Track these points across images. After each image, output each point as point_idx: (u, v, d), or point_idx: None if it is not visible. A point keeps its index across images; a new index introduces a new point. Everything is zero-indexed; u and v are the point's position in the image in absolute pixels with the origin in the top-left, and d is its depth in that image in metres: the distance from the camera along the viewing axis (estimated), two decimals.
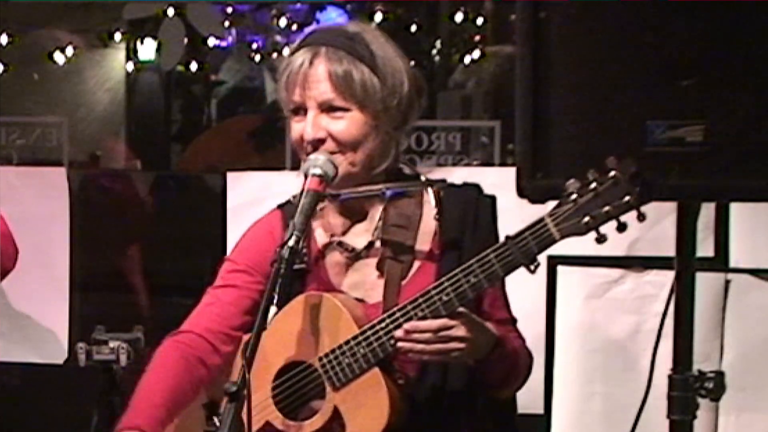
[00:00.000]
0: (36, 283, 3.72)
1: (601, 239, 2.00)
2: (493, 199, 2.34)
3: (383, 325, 2.13)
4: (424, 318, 2.10)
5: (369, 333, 2.14)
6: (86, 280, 3.99)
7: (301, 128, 2.25)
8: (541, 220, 2.04)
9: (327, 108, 2.22)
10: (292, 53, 2.26)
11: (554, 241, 2.04)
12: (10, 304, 3.71)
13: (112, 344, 3.19)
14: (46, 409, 4.24)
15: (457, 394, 2.23)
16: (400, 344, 2.11)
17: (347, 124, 2.22)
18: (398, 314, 2.13)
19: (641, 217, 1.97)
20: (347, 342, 2.15)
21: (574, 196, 2.00)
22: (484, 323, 2.17)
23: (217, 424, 2.30)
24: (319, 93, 2.21)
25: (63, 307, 3.72)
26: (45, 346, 3.73)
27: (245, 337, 2.33)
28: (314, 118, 2.22)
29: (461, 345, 2.11)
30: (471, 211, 2.27)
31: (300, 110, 2.25)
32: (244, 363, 1.95)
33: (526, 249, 2.05)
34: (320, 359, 2.17)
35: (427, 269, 2.22)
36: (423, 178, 2.32)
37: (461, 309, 2.12)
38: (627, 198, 1.95)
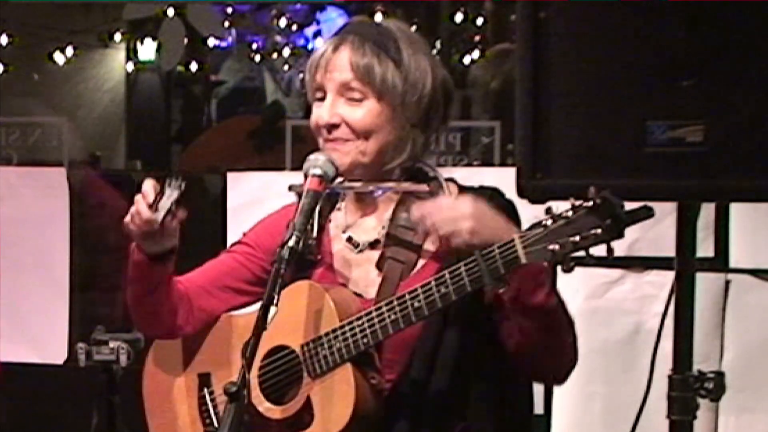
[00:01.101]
0: (36, 283, 3.72)
1: (566, 269, 1.97)
2: (508, 202, 2.29)
3: (360, 322, 2.15)
4: (396, 321, 2.11)
5: (347, 328, 2.16)
6: (86, 280, 3.99)
7: (317, 112, 2.27)
8: (512, 241, 2.01)
9: (346, 92, 2.23)
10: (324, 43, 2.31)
11: (519, 264, 2.00)
12: (11, 304, 3.71)
13: (112, 344, 3.19)
14: (46, 409, 4.24)
15: (444, 395, 2.22)
16: (415, 207, 2.14)
17: (363, 111, 2.23)
18: (374, 314, 2.14)
19: (610, 252, 1.94)
20: (327, 334, 2.17)
21: (547, 222, 1.97)
22: (503, 219, 2.11)
23: (207, 398, 2.31)
24: (339, 75, 2.23)
25: (63, 307, 3.72)
26: (45, 346, 3.72)
27: (224, 317, 2.34)
28: (332, 102, 2.25)
29: (467, 223, 2.06)
30: None
31: (321, 96, 2.27)
32: (243, 363, 1.96)
33: (492, 267, 2.03)
34: (302, 347, 2.19)
35: (429, 270, 2.22)
36: (442, 181, 2.30)
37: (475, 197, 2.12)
38: (597, 230, 1.92)
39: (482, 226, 2.07)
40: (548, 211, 1.98)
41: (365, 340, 2.14)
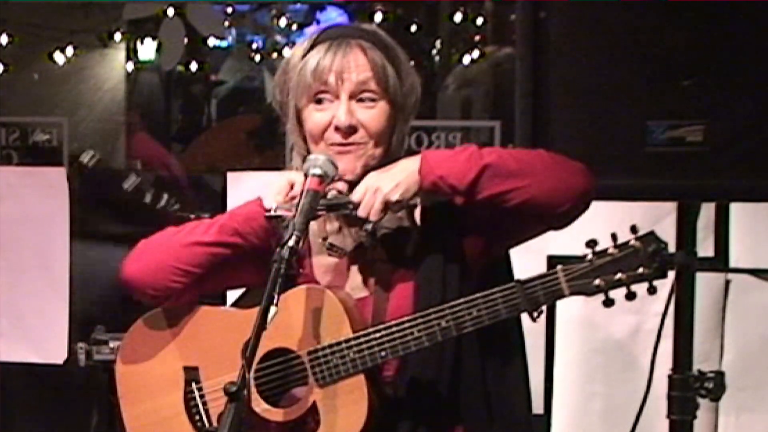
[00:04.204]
0: (36, 283, 3.71)
1: (608, 303, 2.01)
2: None
3: (378, 335, 2.13)
4: (419, 338, 2.11)
5: (362, 339, 2.14)
6: (86, 280, 3.98)
7: (325, 117, 2.22)
8: (554, 272, 2.05)
9: (359, 94, 2.21)
10: (311, 48, 2.25)
11: (562, 296, 2.05)
12: (11, 304, 3.71)
13: (112, 344, 3.19)
14: (46, 409, 4.24)
15: (442, 394, 2.22)
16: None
17: (377, 113, 2.22)
18: (395, 328, 2.13)
19: (652, 290, 1.99)
20: (339, 343, 2.15)
21: (590, 256, 2.01)
22: (395, 164, 2.18)
23: (195, 392, 2.30)
24: (357, 77, 2.20)
25: (63, 307, 3.72)
26: (45, 346, 3.72)
27: (209, 310, 2.33)
28: (347, 104, 2.22)
29: (379, 193, 2.14)
30: (452, 206, 2.26)
31: (324, 99, 2.23)
32: (243, 363, 1.95)
33: (532, 298, 2.06)
34: (309, 353, 2.18)
35: (413, 270, 2.22)
36: None
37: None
38: (641, 269, 1.98)
39: (383, 172, 2.16)
40: (590, 244, 1.99)
41: (383, 354, 2.13)
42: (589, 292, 2.03)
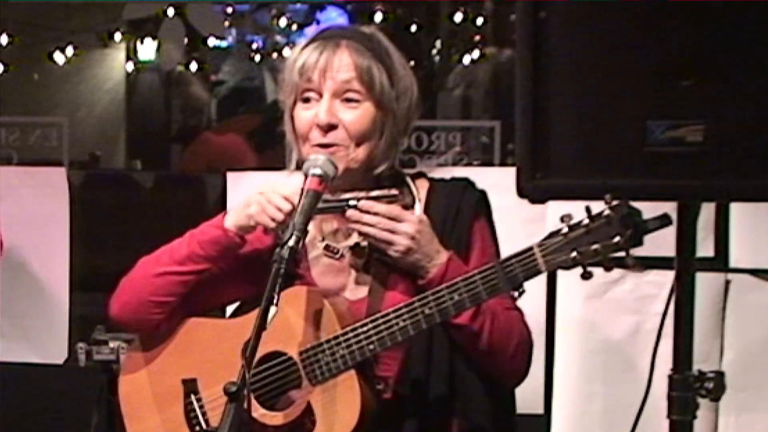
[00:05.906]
0: (36, 283, 3.71)
1: (586, 276, 2.01)
2: (482, 193, 2.33)
3: (365, 329, 2.14)
4: (404, 328, 2.11)
5: (350, 335, 2.15)
6: (86, 280, 3.98)
7: (310, 115, 2.24)
8: (530, 249, 2.05)
9: (343, 94, 2.22)
10: (305, 47, 2.26)
11: (540, 272, 2.05)
12: (10, 304, 3.71)
13: (112, 344, 3.19)
14: (46, 409, 4.23)
15: (441, 392, 2.22)
16: (349, 213, 2.16)
17: (360, 114, 2.23)
18: (380, 320, 2.14)
19: (630, 260, 1.99)
20: (328, 341, 2.16)
21: (565, 230, 2.02)
22: (438, 243, 2.20)
23: (195, 403, 2.30)
24: (340, 76, 2.21)
25: (63, 307, 3.72)
26: (45, 346, 3.72)
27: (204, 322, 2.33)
28: (329, 103, 2.22)
29: (405, 241, 2.15)
30: (454, 206, 2.27)
31: (310, 98, 2.24)
32: (243, 363, 1.95)
33: (511, 276, 2.07)
34: (301, 353, 2.18)
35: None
36: (408, 180, 2.32)
37: (421, 216, 2.19)
38: (617, 238, 1.98)
39: (418, 248, 2.16)
40: (564, 219, 2.00)
41: (371, 347, 2.14)
42: (567, 266, 2.03)
